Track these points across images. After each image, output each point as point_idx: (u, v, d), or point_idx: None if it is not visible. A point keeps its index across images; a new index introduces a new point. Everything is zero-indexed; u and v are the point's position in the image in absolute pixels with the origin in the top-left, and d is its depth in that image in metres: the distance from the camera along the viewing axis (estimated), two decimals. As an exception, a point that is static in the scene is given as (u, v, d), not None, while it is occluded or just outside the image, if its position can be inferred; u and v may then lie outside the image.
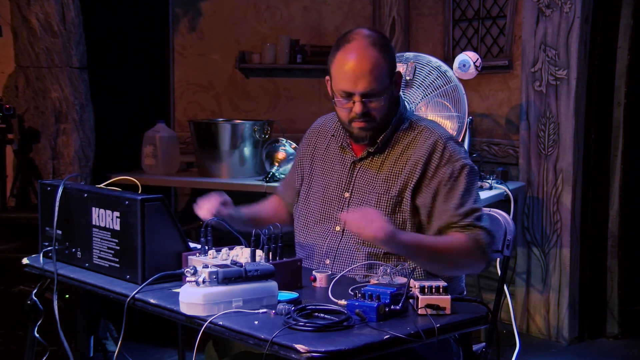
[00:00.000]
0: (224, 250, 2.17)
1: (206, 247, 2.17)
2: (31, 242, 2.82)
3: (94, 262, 2.25)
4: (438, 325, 1.82)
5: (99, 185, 2.35)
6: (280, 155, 4.06)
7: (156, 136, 4.35)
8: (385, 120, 2.31)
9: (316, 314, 1.82)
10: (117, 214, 2.15)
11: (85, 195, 2.26)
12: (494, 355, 2.36)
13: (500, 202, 3.91)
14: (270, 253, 2.10)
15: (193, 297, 1.85)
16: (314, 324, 1.74)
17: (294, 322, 1.75)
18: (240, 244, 2.24)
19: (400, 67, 3.72)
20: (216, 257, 2.13)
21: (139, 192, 2.24)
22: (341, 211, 2.34)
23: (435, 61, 3.81)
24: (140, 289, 2.03)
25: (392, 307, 1.84)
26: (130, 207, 2.10)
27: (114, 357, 3.58)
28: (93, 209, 2.23)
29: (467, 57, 3.94)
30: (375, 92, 2.24)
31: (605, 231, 4.41)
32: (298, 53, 5.00)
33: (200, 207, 2.35)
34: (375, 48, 2.24)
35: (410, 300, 1.91)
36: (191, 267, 1.87)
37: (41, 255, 2.35)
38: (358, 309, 1.82)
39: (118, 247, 2.16)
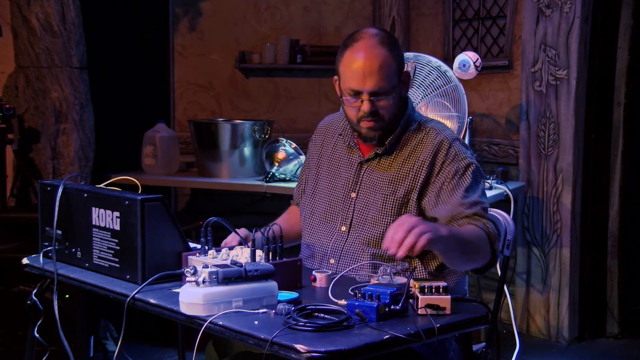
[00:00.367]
0: (224, 250, 2.17)
1: (206, 247, 2.17)
2: (31, 242, 2.82)
3: (94, 262, 2.25)
4: (438, 325, 1.81)
5: (99, 185, 2.35)
6: (280, 155, 4.06)
7: (156, 136, 4.35)
8: (393, 120, 2.31)
9: (316, 314, 1.82)
10: (117, 214, 2.15)
11: (85, 195, 2.26)
12: (494, 355, 2.36)
13: (500, 202, 3.91)
14: (270, 253, 2.10)
15: (193, 297, 1.85)
16: (314, 324, 1.74)
17: (294, 322, 1.74)
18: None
19: (401, 67, 3.71)
20: (216, 257, 2.13)
21: (139, 192, 2.24)
22: (347, 211, 2.34)
23: (435, 61, 3.81)
24: (140, 289, 2.03)
25: (392, 307, 1.84)
26: (130, 207, 2.10)
27: (114, 357, 3.58)
28: (93, 209, 2.23)
29: (467, 57, 3.94)
30: (383, 91, 2.24)
31: (605, 231, 4.41)
32: (298, 53, 5.00)
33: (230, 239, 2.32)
34: (384, 46, 2.24)
35: (410, 300, 1.91)
36: (191, 267, 1.87)
37: (41, 255, 2.35)
38: (358, 309, 1.82)
39: (118, 247, 2.16)
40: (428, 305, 1.88)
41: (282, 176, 4.05)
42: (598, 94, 4.29)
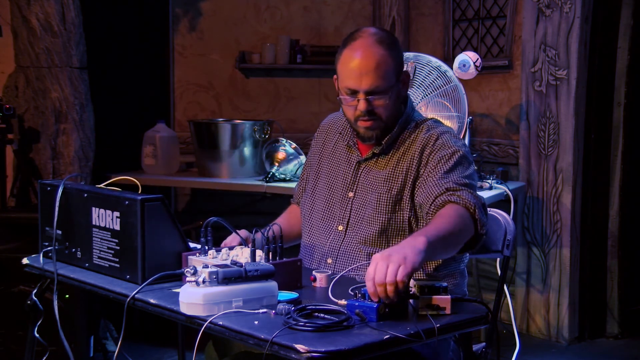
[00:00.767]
0: (224, 250, 2.17)
1: (206, 247, 2.17)
2: (31, 242, 2.82)
3: (94, 262, 2.25)
4: (438, 325, 1.81)
5: (99, 185, 2.35)
6: (280, 155, 4.06)
7: (156, 136, 4.35)
8: (391, 120, 2.30)
9: (316, 314, 1.82)
10: (117, 214, 2.15)
11: (85, 195, 2.26)
12: (494, 355, 2.35)
13: (500, 202, 3.91)
14: (270, 253, 2.10)
15: (193, 297, 1.85)
16: (314, 324, 1.74)
17: (294, 322, 1.74)
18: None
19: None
20: (216, 257, 2.13)
21: (139, 192, 2.24)
22: (344, 210, 2.34)
23: (435, 61, 3.81)
24: (140, 289, 2.03)
25: (392, 307, 1.84)
26: (130, 207, 2.10)
27: (114, 357, 3.58)
28: (93, 209, 2.23)
29: (467, 57, 3.94)
30: (380, 90, 2.23)
31: (605, 231, 4.41)
32: (298, 53, 5.00)
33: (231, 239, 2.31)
34: (382, 46, 2.23)
35: (410, 300, 1.91)
36: (191, 267, 1.87)
37: (41, 255, 2.35)
38: (358, 309, 1.82)
39: (118, 247, 2.16)
40: (428, 305, 1.88)
41: (282, 176, 4.05)
42: (598, 94, 4.29)
